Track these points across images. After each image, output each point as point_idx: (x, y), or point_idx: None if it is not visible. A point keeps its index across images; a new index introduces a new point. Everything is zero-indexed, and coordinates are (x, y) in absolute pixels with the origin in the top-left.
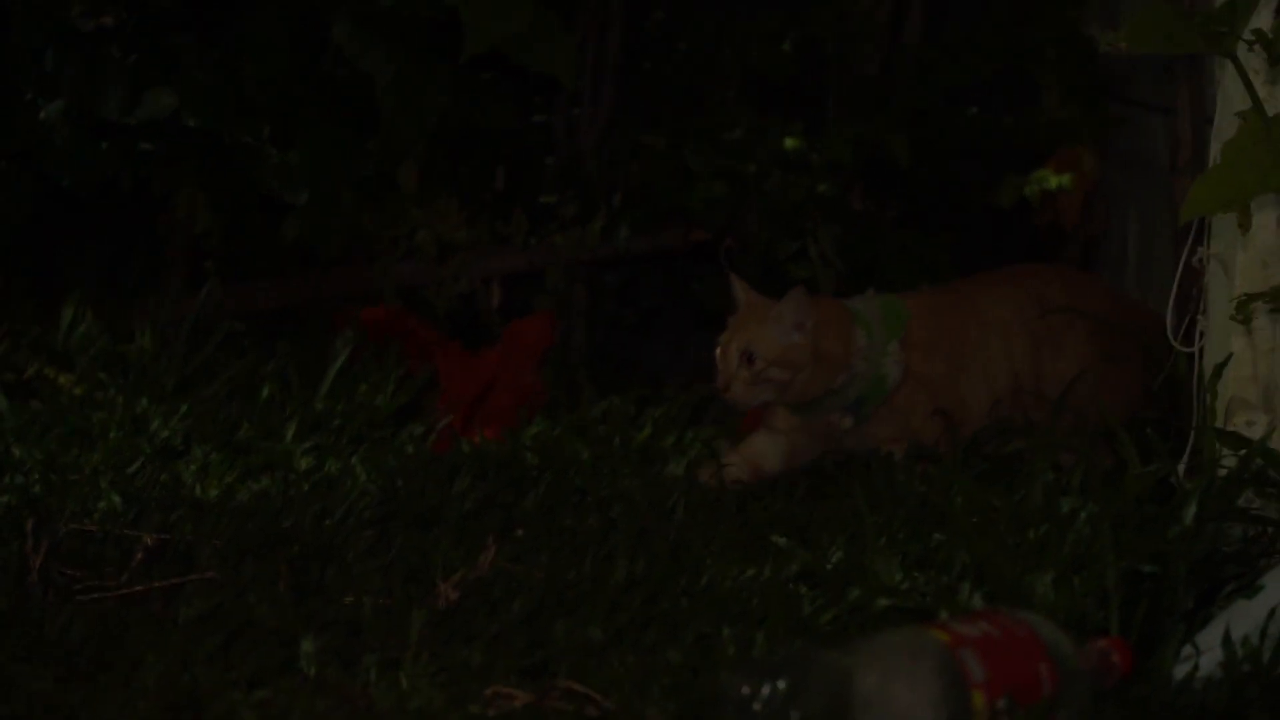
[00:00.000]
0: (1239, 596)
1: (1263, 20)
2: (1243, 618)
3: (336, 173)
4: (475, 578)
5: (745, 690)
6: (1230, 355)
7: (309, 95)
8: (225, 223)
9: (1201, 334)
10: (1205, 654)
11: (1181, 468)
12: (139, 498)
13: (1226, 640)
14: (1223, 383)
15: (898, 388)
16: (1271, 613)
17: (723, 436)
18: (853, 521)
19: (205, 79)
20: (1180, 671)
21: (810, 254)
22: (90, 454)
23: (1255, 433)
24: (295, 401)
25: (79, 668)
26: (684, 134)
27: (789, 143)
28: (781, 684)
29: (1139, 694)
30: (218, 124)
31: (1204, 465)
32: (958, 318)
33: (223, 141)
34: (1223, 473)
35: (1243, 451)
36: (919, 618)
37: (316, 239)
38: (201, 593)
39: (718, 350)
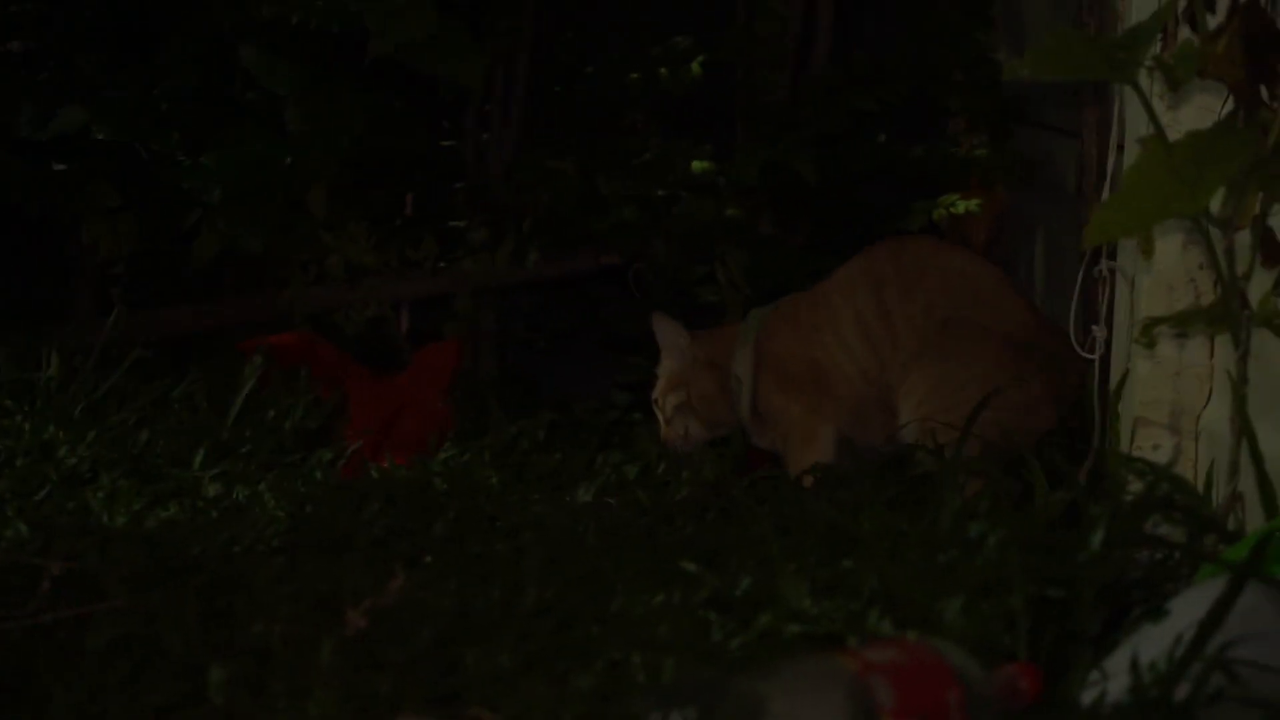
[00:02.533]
0: (1146, 621)
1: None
2: (1150, 642)
3: (252, 175)
4: (384, 605)
5: (655, 717)
6: (1128, 372)
7: (221, 115)
8: (133, 248)
9: (1104, 345)
10: (1113, 679)
11: (1082, 473)
12: (46, 526)
13: (1134, 665)
14: (1125, 403)
15: (755, 385)
16: (1178, 637)
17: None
18: (762, 547)
19: (116, 95)
20: (1088, 697)
21: (719, 278)
22: None
23: (1161, 456)
24: (203, 428)
25: None
26: (593, 158)
27: (697, 166)
28: (691, 711)
29: (1047, 719)
30: (128, 135)
31: (1108, 487)
32: (808, 301)
33: (134, 158)
34: (1129, 496)
35: (1150, 477)
36: (829, 644)
37: (239, 237)
38: (109, 622)
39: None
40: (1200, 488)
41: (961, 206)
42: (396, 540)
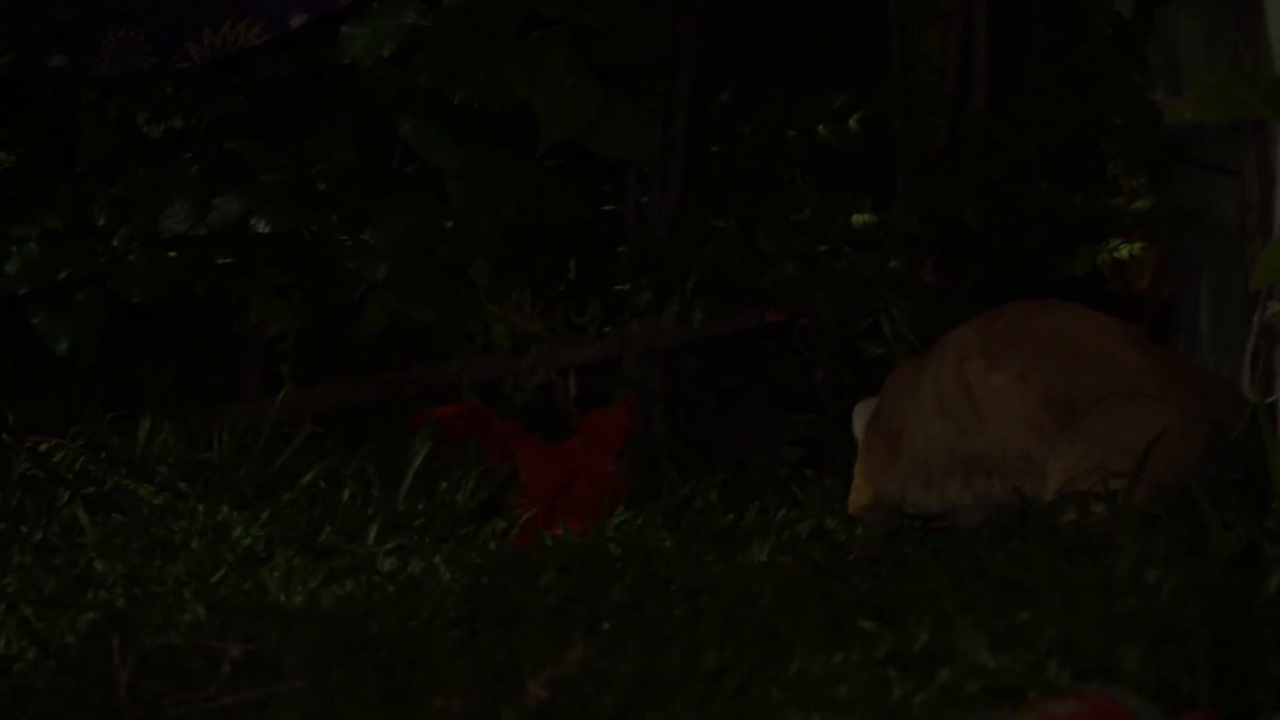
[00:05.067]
0: None
1: None
2: None
3: (415, 246)
4: (564, 674)
5: None
6: None
7: (380, 190)
8: (300, 325)
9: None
10: None
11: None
12: (223, 608)
13: None
14: None
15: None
16: None
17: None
18: (937, 601)
19: (273, 181)
20: None
21: (884, 330)
22: (173, 565)
23: None
24: (376, 503)
25: None
26: (754, 215)
27: (857, 219)
28: None
29: None
30: (287, 222)
31: None
32: (915, 364)
33: (296, 240)
34: None
35: None
36: (1009, 698)
37: (408, 310)
38: (290, 702)
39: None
40: None
41: (1124, 251)
42: (573, 608)
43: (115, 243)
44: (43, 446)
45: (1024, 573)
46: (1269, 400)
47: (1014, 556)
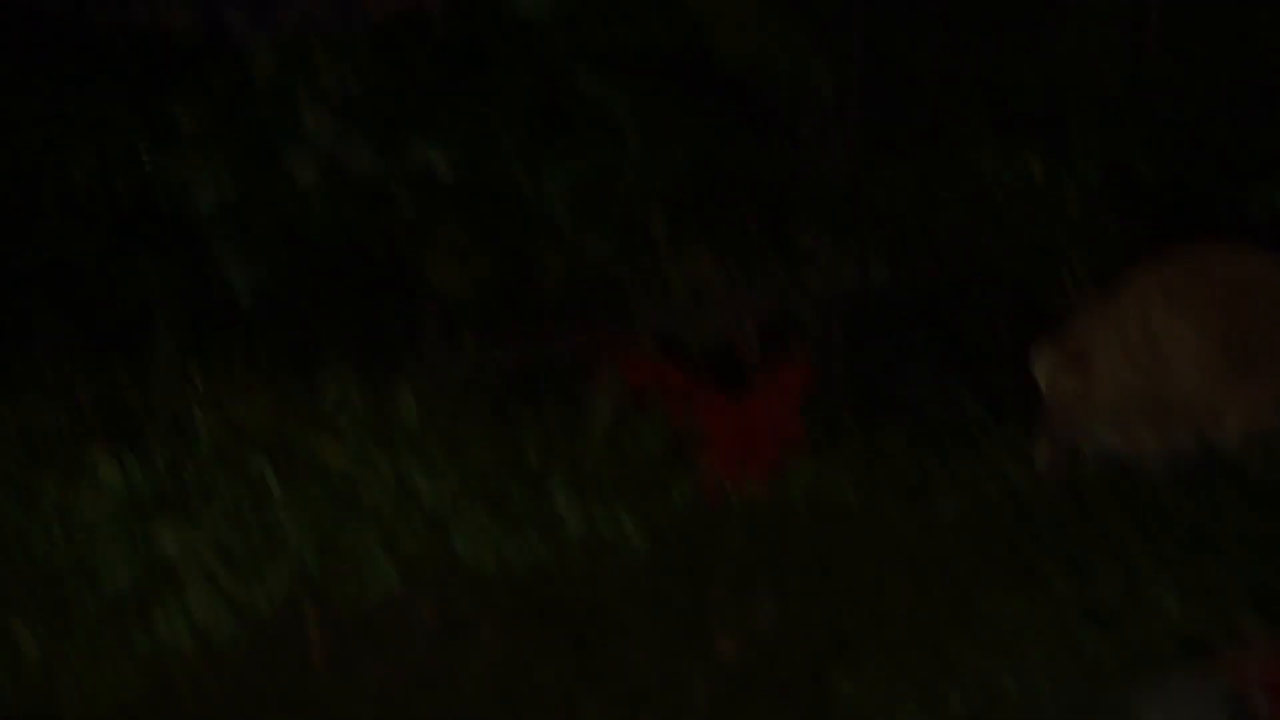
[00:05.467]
0: None
1: None
2: None
3: (594, 185)
4: (754, 632)
5: None
6: None
7: (559, 139)
8: (479, 281)
9: None
10: None
11: None
12: (415, 570)
13: None
14: None
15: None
16: None
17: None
18: (1124, 551)
19: (459, 128)
20: None
21: (1063, 277)
22: (363, 527)
23: None
24: (561, 460)
25: None
26: (932, 167)
27: (1036, 168)
28: None
29: None
30: (473, 168)
31: None
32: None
33: (477, 190)
34: None
35: None
36: (1201, 652)
37: (588, 245)
38: (484, 664)
39: None
40: None
41: None
42: (761, 565)
43: (300, 184)
44: (232, 408)
45: (1212, 522)
46: None
47: (1201, 505)
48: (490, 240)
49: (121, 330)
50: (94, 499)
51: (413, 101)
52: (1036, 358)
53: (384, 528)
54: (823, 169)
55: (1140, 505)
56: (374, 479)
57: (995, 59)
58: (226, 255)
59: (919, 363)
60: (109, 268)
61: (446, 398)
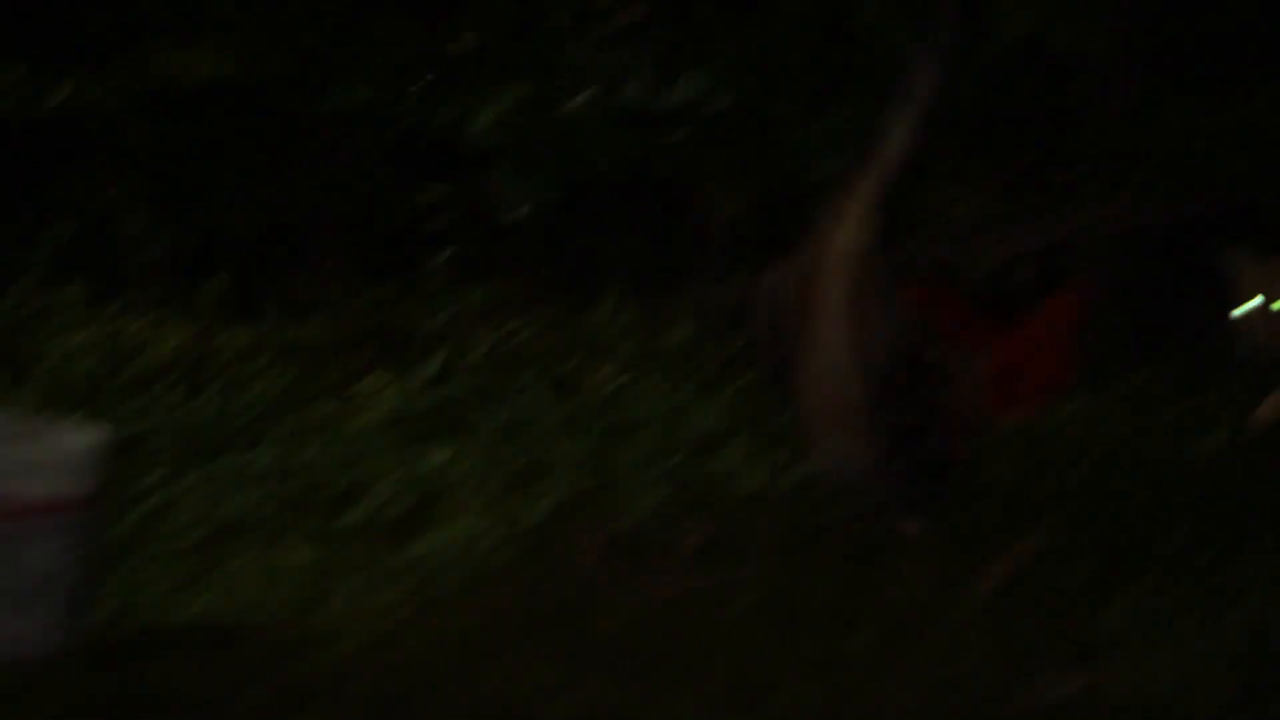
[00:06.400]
0: None
1: None
2: None
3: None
4: (1030, 553)
5: None
6: None
7: (837, 71)
8: (751, 212)
9: None
10: None
11: None
12: (684, 491)
13: None
14: None
15: None
16: None
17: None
18: None
19: (736, 57)
20: None
21: None
22: (633, 448)
23: None
24: None
25: (639, 666)
26: (1214, 103)
27: None
28: None
29: None
30: (747, 101)
31: None
32: None
33: (750, 125)
34: None
35: None
36: None
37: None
38: (751, 587)
39: None
40: None
41: None
42: (1034, 488)
43: (577, 109)
44: (507, 326)
45: None
46: None
47: None
48: (760, 173)
49: (397, 251)
50: (366, 416)
51: (691, 28)
52: None
53: (654, 449)
54: (1105, 108)
55: None
56: (647, 399)
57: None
58: (505, 185)
59: (1194, 298)
60: (385, 191)
61: (718, 323)
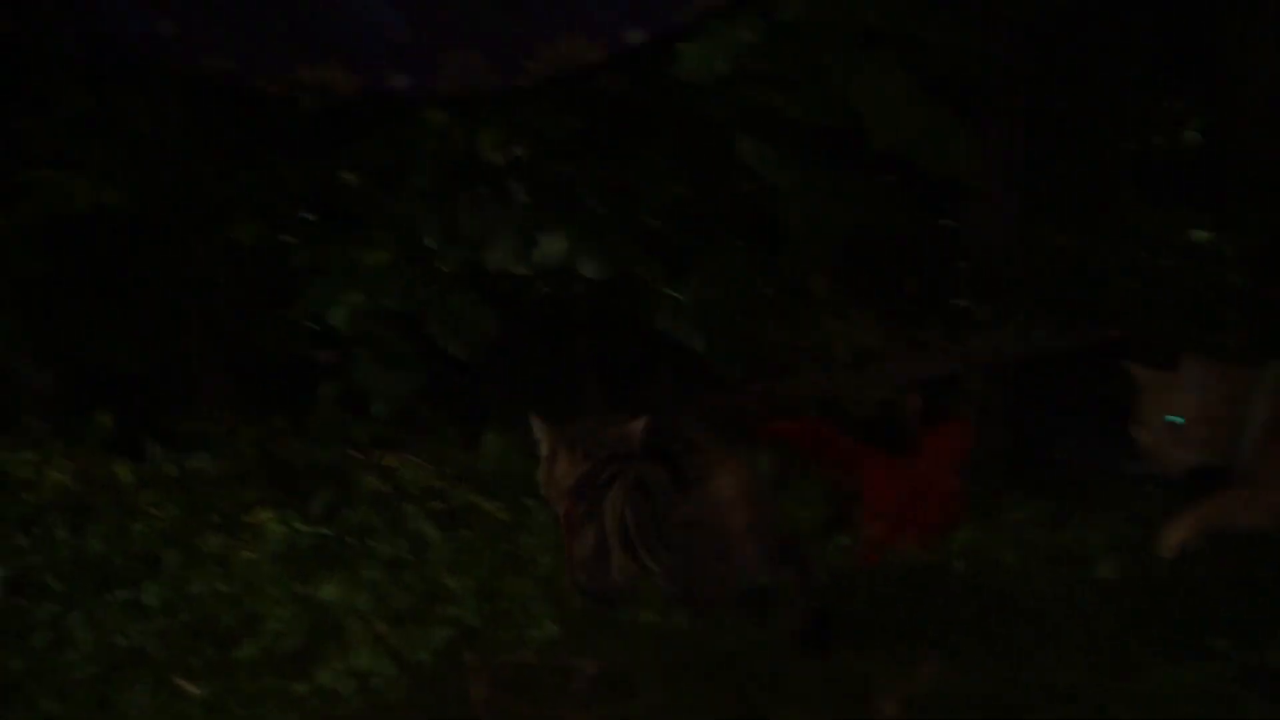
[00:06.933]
0: None
1: None
2: None
3: (732, 306)
4: (916, 693)
5: None
6: None
7: (709, 218)
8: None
9: None
10: None
11: None
12: (575, 624)
13: None
14: None
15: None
16: None
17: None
18: None
19: (601, 215)
20: None
21: (1228, 346)
22: (526, 580)
23: None
24: None
25: None
26: (1092, 232)
27: (1199, 236)
28: None
29: None
30: (612, 269)
31: None
32: None
33: (618, 283)
34: None
35: None
36: None
37: (720, 364)
38: (649, 718)
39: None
40: None
41: None
42: (923, 626)
43: (443, 271)
44: (389, 462)
45: None
46: None
47: None
48: (633, 325)
49: (282, 387)
50: (256, 549)
51: (558, 182)
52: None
53: (543, 581)
54: (984, 237)
55: None
56: (534, 533)
57: (1157, 127)
58: (365, 380)
59: (1079, 427)
60: (271, 329)
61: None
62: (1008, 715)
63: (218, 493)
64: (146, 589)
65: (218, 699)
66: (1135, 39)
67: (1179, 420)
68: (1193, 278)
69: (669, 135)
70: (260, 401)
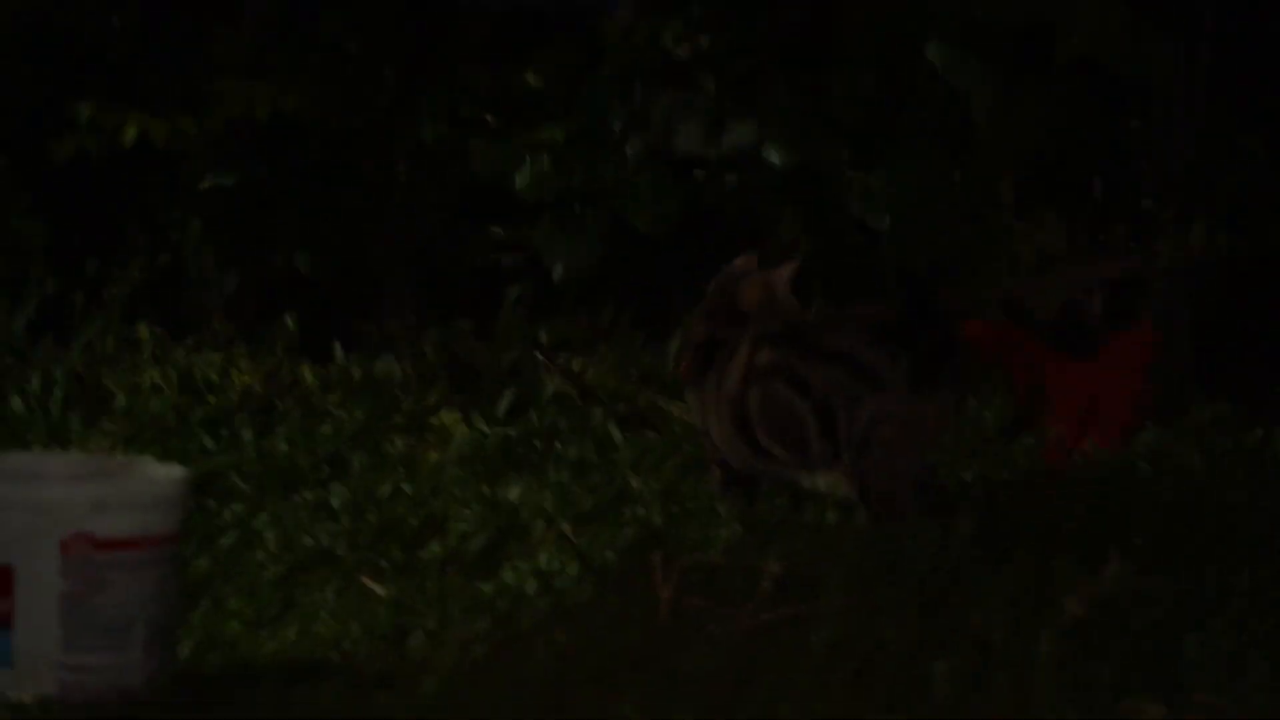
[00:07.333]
0: None
1: None
2: None
3: (923, 195)
4: (1100, 593)
5: None
6: None
7: (898, 116)
8: (821, 246)
9: None
10: None
11: None
12: (759, 525)
13: None
14: None
15: None
16: None
17: None
18: None
19: (789, 107)
20: None
21: None
22: (708, 482)
23: None
24: None
25: (716, 703)
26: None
27: None
28: None
29: None
30: (799, 154)
31: None
32: None
33: (805, 172)
34: None
35: None
36: None
37: (905, 261)
38: (829, 620)
39: None
40: None
41: None
42: (1106, 525)
43: (627, 156)
44: (575, 365)
45: None
46: None
47: None
48: (823, 212)
49: (467, 288)
50: (440, 452)
51: (747, 73)
52: None
53: None
54: (1172, 140)
55: None
56: None
57: None
58: (542, 244)
59: (1266, 332)
60: (455, 229)
61: None
62: (1192, 616)
63: (403, 395)
64: (333, 490)
65: (404, 598)
66: None
67: None
68: None
69: (858, 36)
70: (444, 305)
